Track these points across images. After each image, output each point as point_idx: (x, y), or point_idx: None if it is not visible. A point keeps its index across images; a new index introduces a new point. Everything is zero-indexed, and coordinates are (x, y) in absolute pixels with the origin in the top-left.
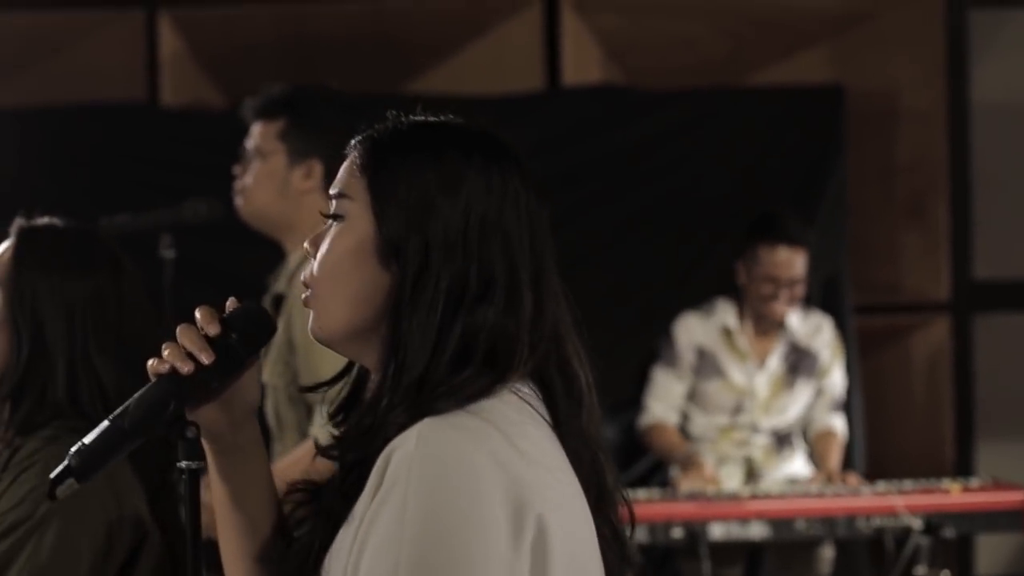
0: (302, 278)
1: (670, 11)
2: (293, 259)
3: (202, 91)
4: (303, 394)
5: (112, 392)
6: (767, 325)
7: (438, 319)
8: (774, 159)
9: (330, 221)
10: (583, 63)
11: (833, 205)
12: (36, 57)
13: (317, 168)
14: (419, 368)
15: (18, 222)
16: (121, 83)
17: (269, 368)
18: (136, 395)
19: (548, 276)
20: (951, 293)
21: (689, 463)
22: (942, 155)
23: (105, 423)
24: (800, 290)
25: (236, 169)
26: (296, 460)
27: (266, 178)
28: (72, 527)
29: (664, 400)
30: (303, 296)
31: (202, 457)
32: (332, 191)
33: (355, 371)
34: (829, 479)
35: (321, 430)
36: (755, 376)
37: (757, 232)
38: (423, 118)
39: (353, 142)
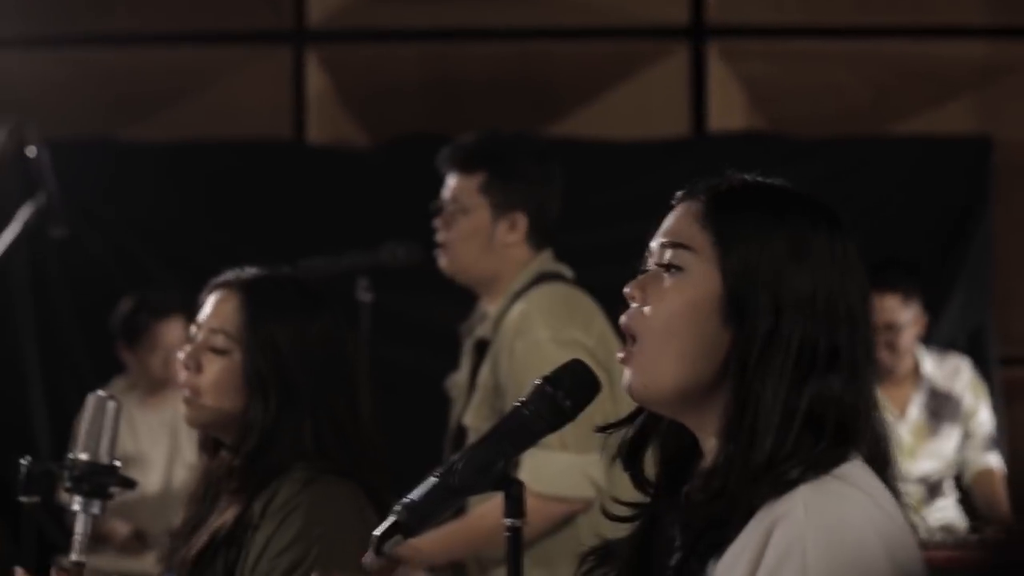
0: (621, 321)
1: (815, 59)
2: (493, 306)
3: (347, 129)
4: None
5: (349, 431)
6: (893, 374)
7: (787, 384)
8: (919, 209)
9: (651, 268)
10: (728, 109)
11: (978, 257)
12: (183, 92)
13: (521, 220)
14: (771, 435)
15: (232, 274)
16: (267, 120)
17: (474, 412)
18: (463, 453)
19: (873, 345)
20: None
21: None
22: None
23: (432, 480)
24: (901, 338)
25: (436, 222)
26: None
27: (471, 234)
28: (342, 561)
29: None
30: (619, 355)
31: (524, 515)
32: (665, 239)
33: (643, 415)
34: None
35: (528, 474)
36: (896, 427)
37: None
38: (759, 178)
39: (681, 193)
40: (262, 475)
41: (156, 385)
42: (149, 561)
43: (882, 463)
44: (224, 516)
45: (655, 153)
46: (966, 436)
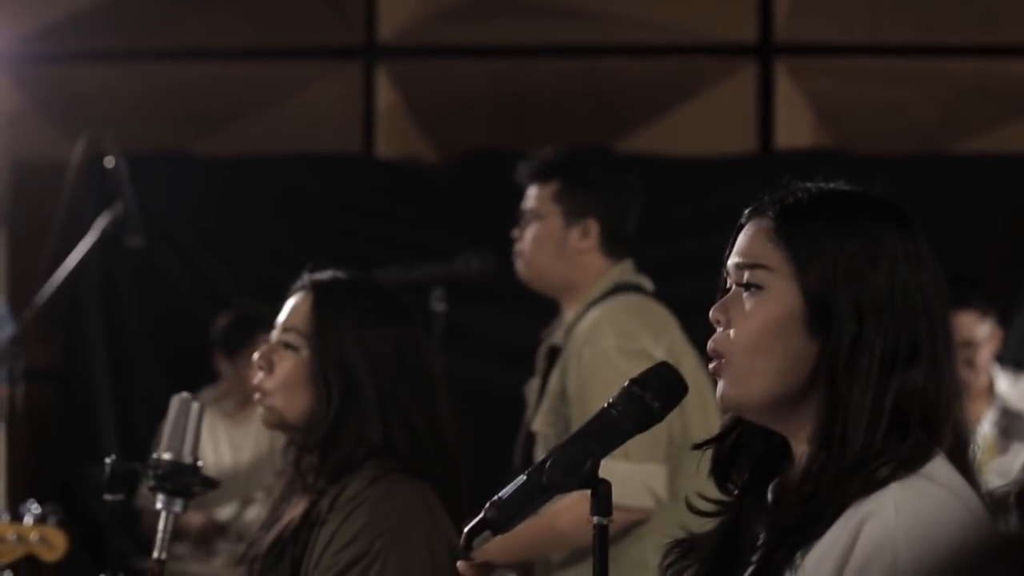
0: (709, 346)
1: (882, 77)
2: (570, 314)
3: (416, 144)
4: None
5: (422, 432)
6: (969, 390)
7: (874, 384)
8: (985, 227)
9: (732, 288)
10: (795, 127)
11: None
12: (255, 107)
13: (594, 227)
14: (860, 436)
15: (308, 277)
16: (337, 134)
17: (541, 417)
18: (552, 452)
19: (953, 336)
20: None
21: None
22: None
23: (521, 478)
24: (979, 354)
25: (514, 232)
26: (568, 506)
27: (544, 240)
28: (405, 556)
29: None
30: (710, 365)
31: (611, 513)
32: (740, 260)
33: (738, 430)
34: None
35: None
36: None
37: None
38: (825, 185)
39: (749, 210)
40: (332, 471)
41: (250, 397)
42: (219, 563)
43: (962, 448)
44: (293, 512)
45: (722, 170)
46: None
